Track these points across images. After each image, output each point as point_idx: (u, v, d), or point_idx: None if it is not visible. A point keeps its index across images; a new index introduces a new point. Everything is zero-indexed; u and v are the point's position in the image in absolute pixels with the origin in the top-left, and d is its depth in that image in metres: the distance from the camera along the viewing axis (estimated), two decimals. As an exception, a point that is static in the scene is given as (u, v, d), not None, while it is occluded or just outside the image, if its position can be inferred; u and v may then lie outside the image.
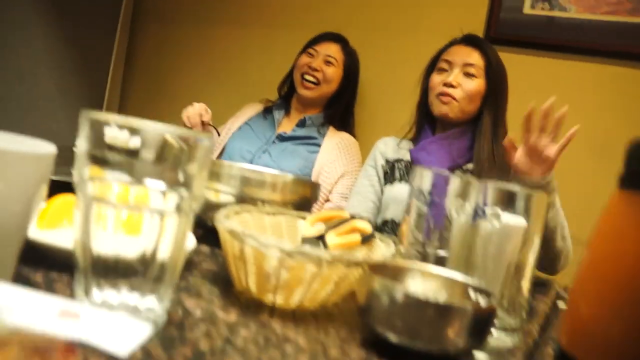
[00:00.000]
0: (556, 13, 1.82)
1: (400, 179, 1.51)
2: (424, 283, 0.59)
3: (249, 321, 0.51)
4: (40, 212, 0.65)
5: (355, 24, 2.10)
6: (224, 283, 0.61)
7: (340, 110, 1.83)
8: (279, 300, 0.56)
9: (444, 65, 1.47)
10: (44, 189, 0.47)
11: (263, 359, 0.43)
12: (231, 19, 2.42)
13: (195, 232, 0.75)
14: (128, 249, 0.43)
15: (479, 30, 1.90)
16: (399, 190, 1.49)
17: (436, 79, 1.46)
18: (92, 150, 0.43)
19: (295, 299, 0.56)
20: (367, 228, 0.72)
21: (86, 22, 2.39)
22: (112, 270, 0.43)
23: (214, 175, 0.80)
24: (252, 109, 1.92)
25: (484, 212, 0.64)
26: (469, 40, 1.49)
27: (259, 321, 0.51)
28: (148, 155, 0.43)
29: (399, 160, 1.54)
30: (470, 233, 0.67)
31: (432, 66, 1.52)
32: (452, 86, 1.42)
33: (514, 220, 0.65)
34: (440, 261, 0.69)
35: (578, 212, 1.52)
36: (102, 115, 0.42)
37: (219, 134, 1.79)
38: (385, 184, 1.54)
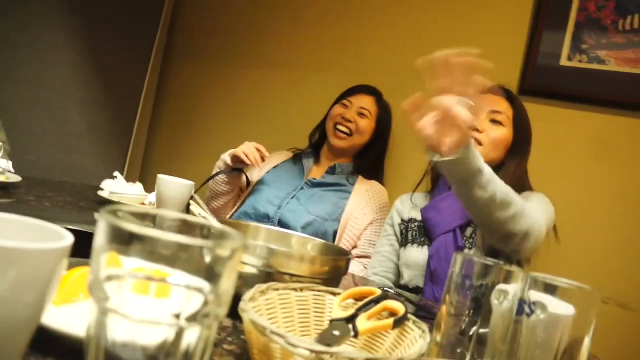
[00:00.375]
0: (594, 66, 1.77)
1: (413, 242, 1.45)
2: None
3: None
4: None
5: (386, 70, 2.08)
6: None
7: (371, 161, 1.80)
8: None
9: None
10: (60, 278, 0.44)
11: None
12: (260, 60, 2.43)
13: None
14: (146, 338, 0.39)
15: (513, 80, 1.87)
16: (412, 254, 1.44)
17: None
18: (110, 246, 0.39)
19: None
20: (400, 309, 0.67)
21: (118, 58, 2.42)
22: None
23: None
24: (280, 156, 1.91)
25: (529, 307, 0.59)
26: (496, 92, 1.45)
27: None
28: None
29: (412, 221, 1.49)
30: (513, 324, 0.62)
31: None
32: (477, 131, 1.38)
33: (562, 308, 0.60)
34: (480, 345, 0.64)
35: (612, 263, 1.46)
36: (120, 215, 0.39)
37: (248, 181, 1.78)
38: (400, 247, 1.49)
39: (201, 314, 0.40)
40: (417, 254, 1.41)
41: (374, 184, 1.78)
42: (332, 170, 1.78)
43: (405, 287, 1.42)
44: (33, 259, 0.40)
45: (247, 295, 0.59)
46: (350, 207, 1.68)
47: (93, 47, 2.31)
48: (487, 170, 1.04)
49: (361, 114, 1.79)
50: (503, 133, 1.39)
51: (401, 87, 2.01)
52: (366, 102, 1.80)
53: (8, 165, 1.37)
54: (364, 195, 1.72)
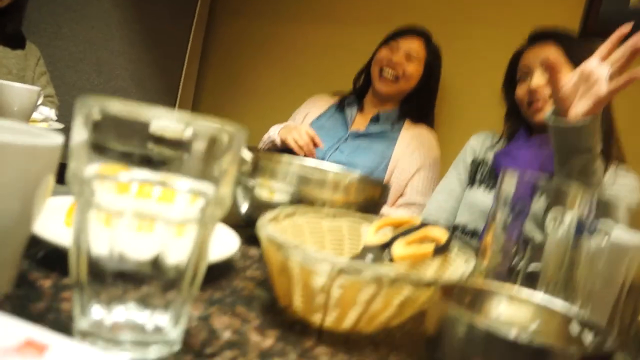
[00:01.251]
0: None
1: (480, 184, 1.37)
2: (512, 312, 0.47)
3: (289, 348, 0.41)
4: (69, 208, 0.59)
5: (436, 15, 1.97)
6: (267, 296, 0.52)
7: (418, 106, 1.71)
8: (329, 321, 0.46)
9: (522, 74, 1.32)
10: (49, 184, 0.40)
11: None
12: (306, 15, 2.35)
13: (244, 234, 0.66)
14: (137, 250, 0.35)
15: (574, 23, 1.72)
16: (477, 196, 1.36)
17: (520, 91, 1.31)
18: (119, 146, 0.34)
19: (348, 322, 0.46)
20: (442, 237, 0.60)
21: (164, 15, 2.40)
22: (116, 276, 0.34)
23: (269, 171, 0.71)
24: (321, 101, 1.83)
25: (591, 226, 0.51)
26: (540, 37, 1.32)
27: (301, 348, 0.42)
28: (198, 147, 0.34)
29: (483, 162, 1.40)
30: (571, 250, 0.55)
31: (510, 79, 1.37)
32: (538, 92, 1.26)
33: (629, 236, 0.52)
34: (530, 280, 0.57)
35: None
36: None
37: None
38: (466, 186, 1.41)
39: (201, 211, 0.35)
40: (483, 197, 1.34)
41: (422, 129, 1.70)
42: (375, 120, 1.69)
43: (462, 229, 1.35)
44: (14, 155, 0.36)
45: (267, 216, 0.54)
46: (397, 155, 1.61)
47: (138, 4, 2.29)
48: (597, 150, 0.96)
49: (409, 58, 1.67)
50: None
51: (453, 30, 1.91)
52: (414, 45, 1.69)
53: (51, 113, 1.36)
54: (410, 142, 1.64)
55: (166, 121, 0.33)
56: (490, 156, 1.39)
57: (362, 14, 2.20)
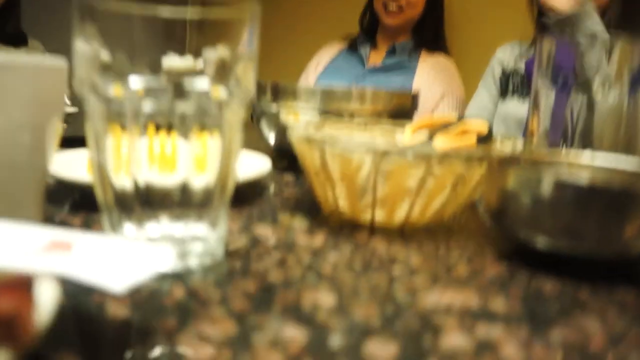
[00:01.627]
0: None
1: (513, 93, 1.32)
2: (576, 179, 0.43)
3: (341, 244, 0.38)
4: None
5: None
6: (309, 207, 0.49)
7: (430, 32, 1.65)
8: (380, 216, 0.43)
9: None
10: (60, 110, 0.37)
11: (361, 287, 0.30)
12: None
13: (278, 163, 0.64)
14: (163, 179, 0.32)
15: None
16: (511, 106, 1.31)
17: None
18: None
19: (400, 214, 0.43)
20: (483, 128, 0.56)
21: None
22: (144, 202, 0.31)
23: (292, 94, 0.67)
24: (331, 48, 1.78)
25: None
26: None
27: (354, 243, 0.39)
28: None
29: (515, 73, 1.34)
30: (628, 111, 0.50)
31: None
32: None
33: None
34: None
35: None
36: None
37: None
38: (498, 98, 1.36)
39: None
40: (517, 108, 1.29)
41: (439, 57, 1.64)
42: (392, 52, 1.64)
43: None
44: (20, 77, 0.33)
45: (297, 128, 0.50)
46: (417, 86, 1.56)
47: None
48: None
49: None
50: None
51: None
52: None
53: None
54: (429, 72, 1.58)
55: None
56: (521, 65, 1.33)
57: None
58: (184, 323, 0.24)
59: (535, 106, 0.56)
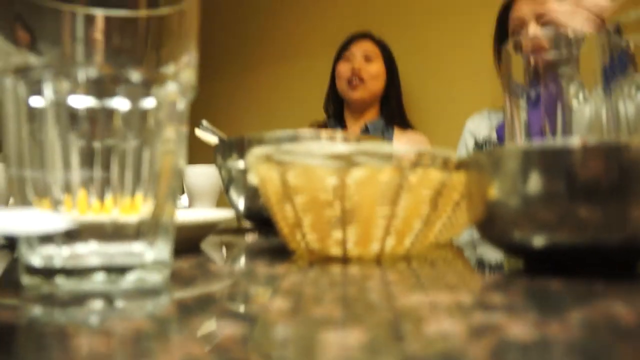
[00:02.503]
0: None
1: None
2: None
3: (307, 270, 0.32)
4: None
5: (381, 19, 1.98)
6: (276, 252, 0.43)
7: (397, 108, 1.68)
8: (353, 246, 0.37)
9: (515, 27, 1.20)
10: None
11: (325, 295, 0.24)
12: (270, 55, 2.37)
13: (247, 225, 0.59)
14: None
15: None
16: None
17: (523, 39, 1.21)
18: None
19: (376, 242, 0.37)
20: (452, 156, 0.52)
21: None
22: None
23: (258, 143, 0.63)
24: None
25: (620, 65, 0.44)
26: None
27: (322, 269, 0.33)
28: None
29: (488, 142, 1.31)
30: (607, 113, 0.47)
31: (501, 36, 1.26)
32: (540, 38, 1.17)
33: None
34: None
35: None
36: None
37: None
38: None
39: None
40: None
41: (411, 135, 1.66)
42: (365, 131, 1.65)
43: None
44: None
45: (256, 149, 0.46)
46: (395, 158, 1.55)
47: None
48: None
49: (367, 59, 1.66)
50: None
51: (399, 30, 1.90)
52: (367, 46, 1.68)
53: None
54: (405, 145, 1.58)
55: None
56: (493, 133, 1.30)
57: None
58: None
59: (509, 129, 0.53)
